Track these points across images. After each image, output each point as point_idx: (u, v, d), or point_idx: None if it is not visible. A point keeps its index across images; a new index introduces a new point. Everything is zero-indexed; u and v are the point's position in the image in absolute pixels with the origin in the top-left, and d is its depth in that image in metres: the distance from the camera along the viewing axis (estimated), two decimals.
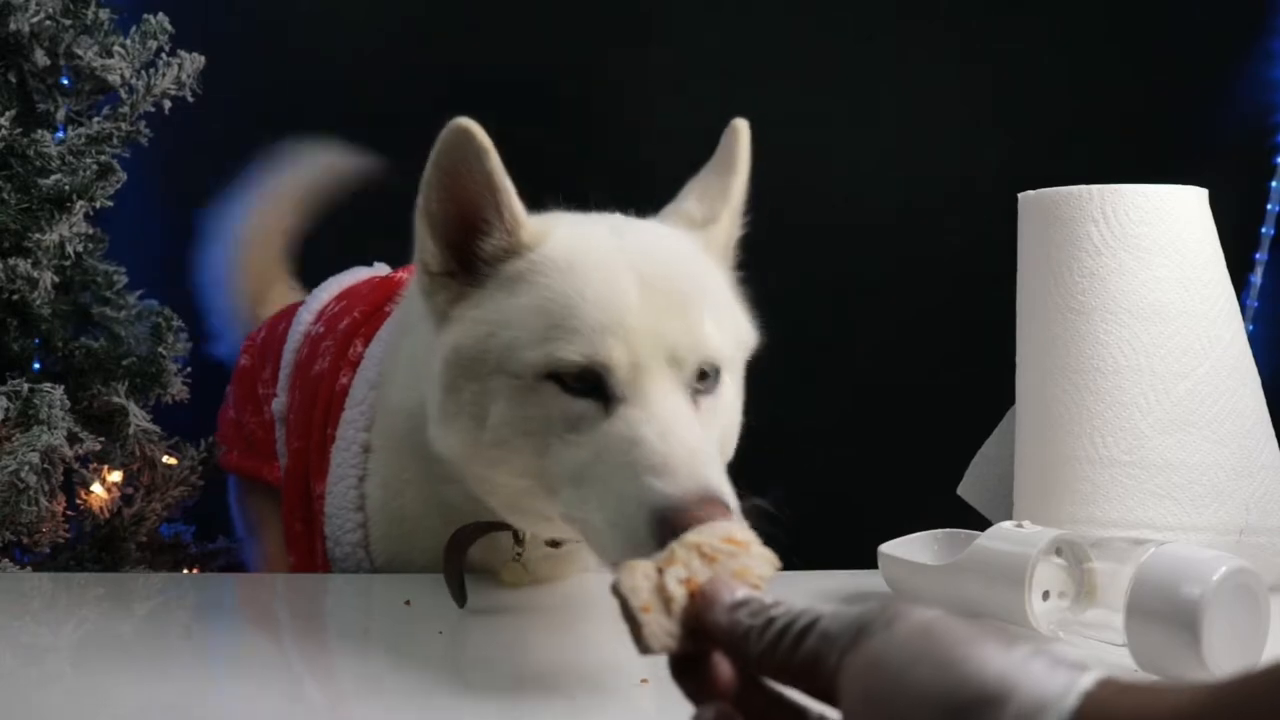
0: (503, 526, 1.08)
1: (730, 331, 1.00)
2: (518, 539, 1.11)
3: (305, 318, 1.55)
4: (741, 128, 1.11)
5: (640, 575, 0.48)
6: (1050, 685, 0.37)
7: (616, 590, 0.48)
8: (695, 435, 0.88)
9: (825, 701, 0.44)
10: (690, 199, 1.11)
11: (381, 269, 1.66)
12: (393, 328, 1.28)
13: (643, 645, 0.48)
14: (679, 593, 0.47)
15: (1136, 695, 0.37)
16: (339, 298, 1.56)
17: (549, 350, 0.91)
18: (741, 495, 0.87)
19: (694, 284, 0.98)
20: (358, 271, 1.65)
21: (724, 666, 0.47)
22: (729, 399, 1.01)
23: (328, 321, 1.49)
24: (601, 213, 1.08)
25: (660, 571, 0.48)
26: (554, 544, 1.12)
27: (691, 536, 0.50)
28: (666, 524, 0.79)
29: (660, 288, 0.94)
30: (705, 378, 0.95)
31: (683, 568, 0.48)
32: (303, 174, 1.83)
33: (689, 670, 0.48)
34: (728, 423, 1.02)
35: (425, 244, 0.97)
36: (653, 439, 0.86)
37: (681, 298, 0.95)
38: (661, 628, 0.47)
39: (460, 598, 1.04)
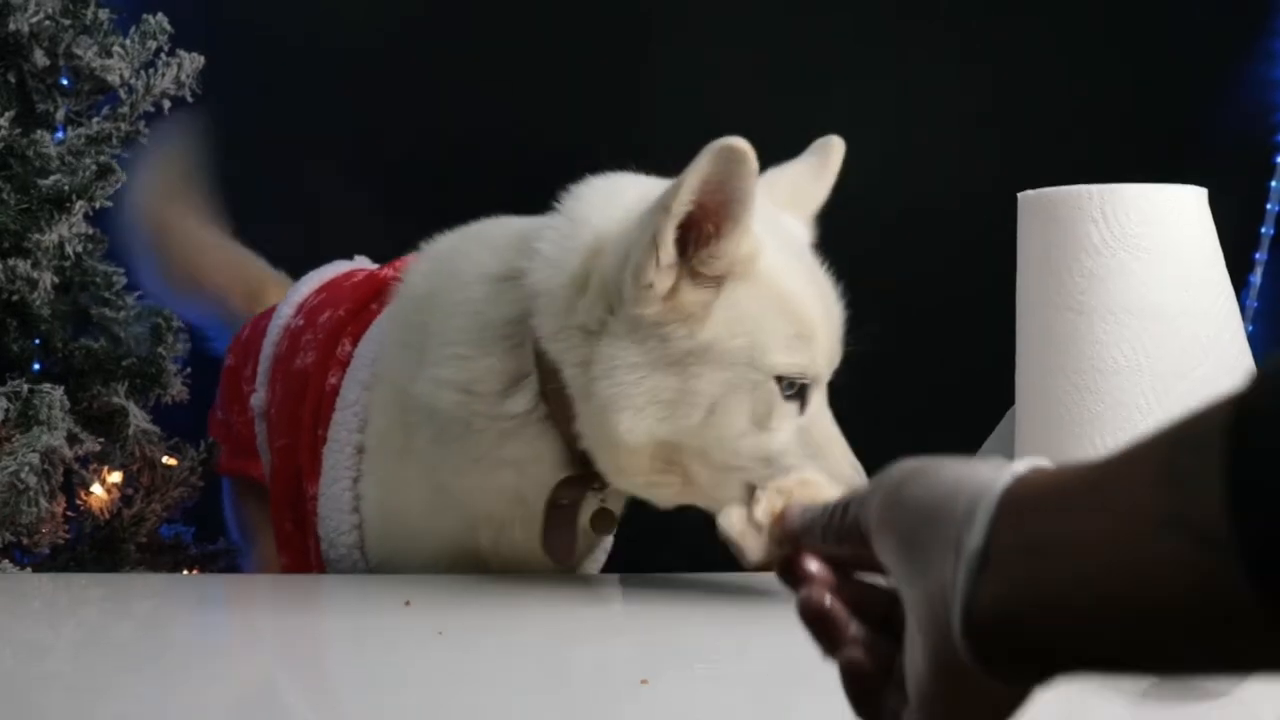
0: (590, 480, 1.14)
1: None
2: (594, 488, 1.16)
3: (285, 311, 1.55)
4: (838, 144, 1.23)
5: (735, 515, 0.62)
6: (990, 475, 0.46)
7: (719, 528, 0.63)
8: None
9: (876, 568, 0.53)
10: (783, 191, 1.19)
11: (363, 262, 1.65)
12: (395, 328, 1.26)
13: (745, 561, 0.62)
14: (765, 520, 0.60)
15: (1055, 471, 0.45)
16: (318, 290, 1.55)
17: (791, 359, 1.06)
18: None
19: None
20: (338, 265, 1.64)
21: (815, 564, 0.57)
22: None
23: (307, 314, 1.48)
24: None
25: (750, 510, 0.61)
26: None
27: (772, 484, 0.63)
28: None
29: (830, 300, 1.12)
30: None
31: (767, 504, 0.61)
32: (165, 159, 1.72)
33: (789, 574, 0.58)
34: None
35: (665, 239, 1.01)
36: (837, 450, 1.09)
37: (838, 309, 1.13)
38: (756, 544, 0.60)
39: (568, 557, 1.18)
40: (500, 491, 1.16)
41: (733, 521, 0.62)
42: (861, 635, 0.54)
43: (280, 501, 1.37)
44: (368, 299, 1.37)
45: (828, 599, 0.55)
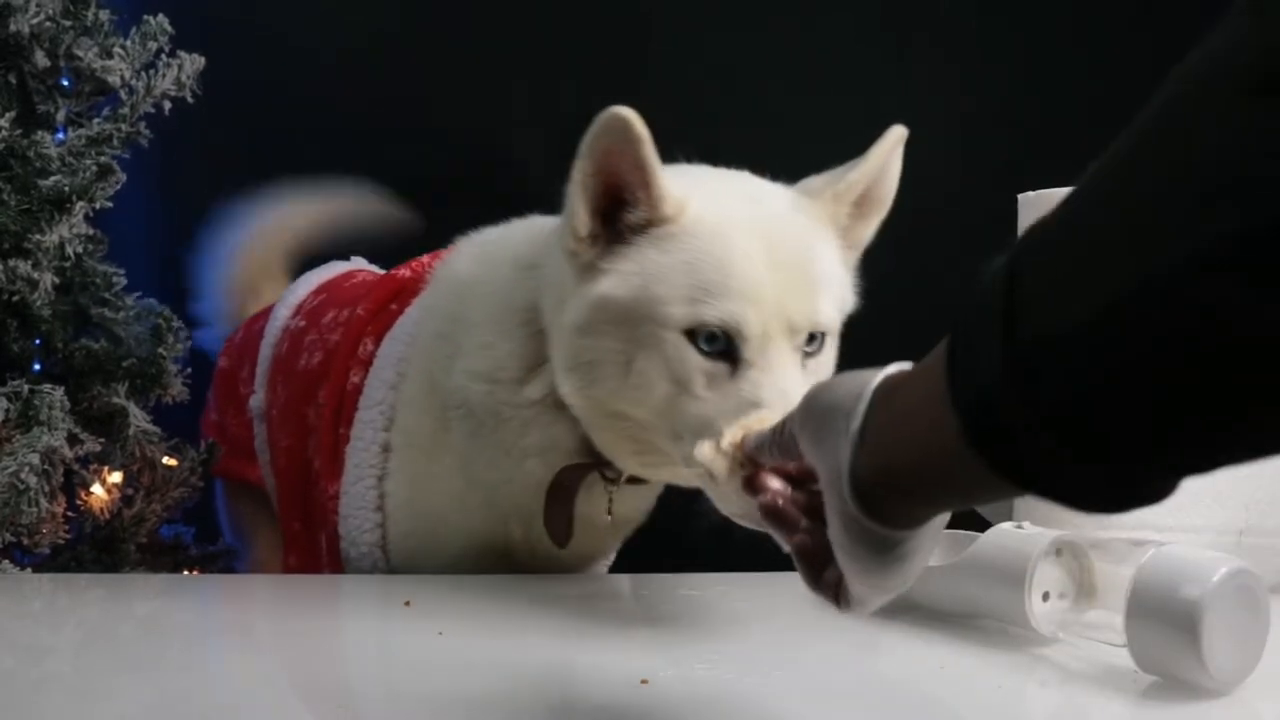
0: (597, 467, 1.15)
1: (836, 299, 1.09)
2: (607, 480, 1.17)
3: (282, 313, 1.55)
4: (892, 132, 1.18)
5: (706, 446, 0.78)
6: (870, 377, 0.62)
7: (694, 456, 0.79)
8: None
9: (814, 476, 0.66)
10: (820, 176, 1.16)
11: (359, 263, 1.65)
12: (431, 318, 1.27)
13: (717, 478, 0.77)
14: (729, 448, 0.77)
15: (911, 368, 0.60)
16: (317, 291, 1.55)
17: (693, 310, 1.00)
18: None
19: (812, 254, 1.07)
20: (335, 265, 1.64)
21: (771, 478, 0.73)
22: (829, 361, 1.09)
23: (308, 315, 1.48)
24: (734, 170, 1.14)
25: (718, 443, 0.77)
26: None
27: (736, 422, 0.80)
28: None
29: (786, 259, 1.03)
30: (813, 340, 1.05)
31: (730, 435, 0.77)
32: (316, 207, 1.82)
33: (752, 486, 0.74)
34: None
35: (577, 211, 1.03)
36: (775, 404, 0.96)
37: (802, 268, 1.04)
38: (724, 467, 0.77)
39: (565, 537, 1.18)
40: (527, 481, 1.17)
41: (704, 450, 0.78)
42: (808, 526, 0.70)
43: (287, 502, 1.37)
44: (387, 299, 1.37)
45: (780, 500, 0.72)
